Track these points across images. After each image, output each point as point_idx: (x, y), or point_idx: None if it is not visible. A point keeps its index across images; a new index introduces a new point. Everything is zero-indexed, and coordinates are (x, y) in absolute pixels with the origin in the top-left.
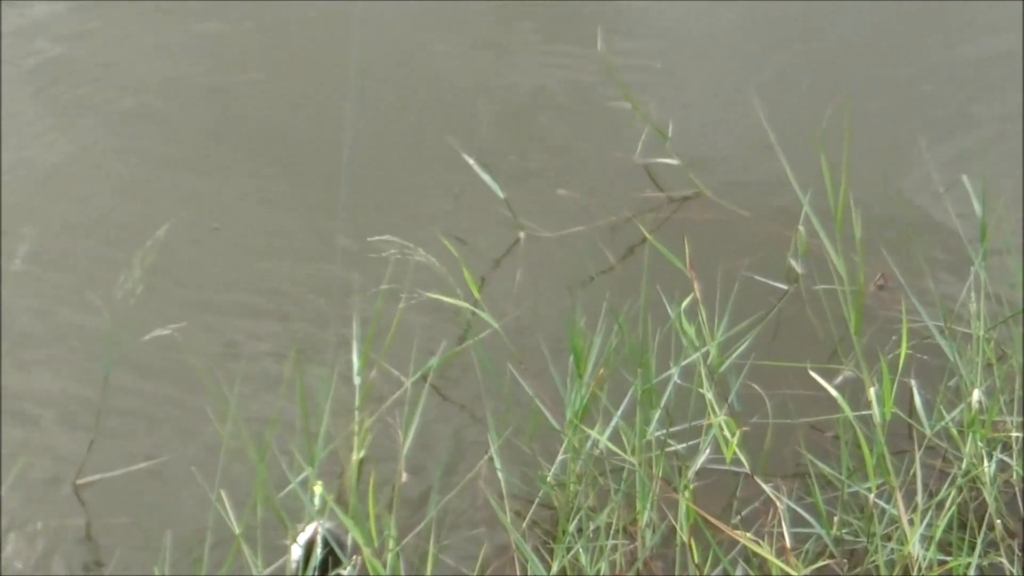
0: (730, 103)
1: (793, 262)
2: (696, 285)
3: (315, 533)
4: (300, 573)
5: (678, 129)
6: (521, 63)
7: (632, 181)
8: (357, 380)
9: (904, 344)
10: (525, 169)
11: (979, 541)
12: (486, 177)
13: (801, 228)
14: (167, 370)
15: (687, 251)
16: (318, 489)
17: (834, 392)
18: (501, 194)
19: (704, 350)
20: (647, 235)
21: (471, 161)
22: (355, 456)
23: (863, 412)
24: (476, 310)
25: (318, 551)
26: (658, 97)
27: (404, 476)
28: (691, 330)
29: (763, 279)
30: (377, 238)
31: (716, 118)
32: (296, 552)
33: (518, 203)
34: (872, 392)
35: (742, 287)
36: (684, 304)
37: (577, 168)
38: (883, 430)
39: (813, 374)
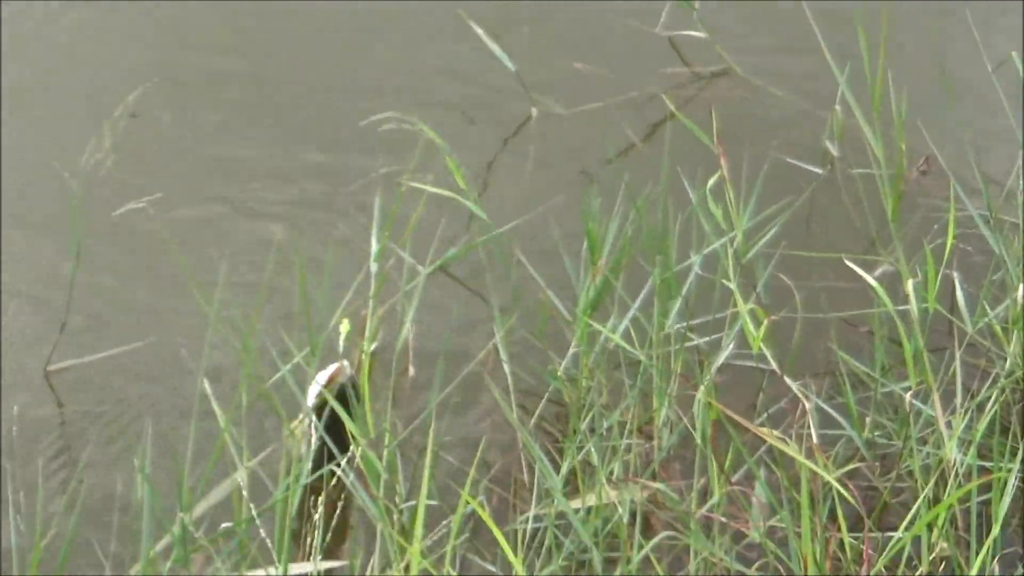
0: None
1: (828, 144)
2: (724, 162)
3: (337, 372)
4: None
5: None
6: None
7: (655, 55)
8: (373, 267)
9: (951, 233)
10: (539, 40)
11: (1022, 447)
12: (496, 48)
13: (837, 107)
14: (143, 248)
15: (715, 126)
16: (344, 327)
17: (872, 281)
18: (512, 67)
19: (731, 235)
20: (674, 110)
21: (480, 31)
22: (366, 347)
23: (901, 307)
24: (470, 204)
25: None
26: None
27: (411, 370)
28: (717, 212)
29: (795, 162)
30: (377, 117)
31: None
32: (314, 391)
33: (530, 77)
34: (910, 284)
35: (773, 170)
36: (710, 183)
37: (595, 40)
38: (922, 325)
39: (849, 263)
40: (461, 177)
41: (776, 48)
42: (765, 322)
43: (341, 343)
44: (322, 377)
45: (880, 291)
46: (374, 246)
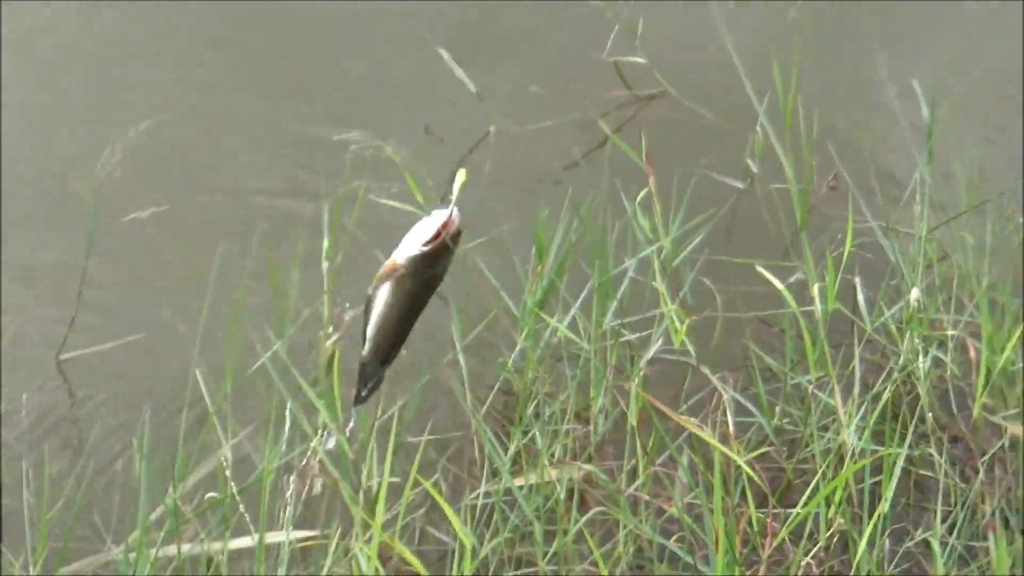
0: (698, 5)
1: (750, 161)
2: (652, 179)
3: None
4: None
5: (647, 28)
6: None
7: (602, 78)
8: (325, 265)
9: (848, 242)
10: (497, 64)
11: (910, 432)
12: (459, 71)
13: (759, 129)
14: (150, 251)
15: (643, 146)
16: (461, 176)
17: (780, 285)
18: (473, 88)
19: (658, 245)
20: (609, 134)
21: (445, 55)
22: (329, 341)
23: (808, 308)
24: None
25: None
26: None
27: None
28: (646, 223)
29: (719, 177)
30: (346, 135)
31: (684, 19)
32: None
33: (489, 98)
34: (815, 288)
35: (702, 186)
36: (638, 198)
37: (550, 64)
38: (824, 324)
39: (760, 269)
40: (420, 194)
41: (708, 74)
42: (687, 320)
43: (455, 193)
44: (430, 224)
45: (787, 294)
46: (325, 244)
